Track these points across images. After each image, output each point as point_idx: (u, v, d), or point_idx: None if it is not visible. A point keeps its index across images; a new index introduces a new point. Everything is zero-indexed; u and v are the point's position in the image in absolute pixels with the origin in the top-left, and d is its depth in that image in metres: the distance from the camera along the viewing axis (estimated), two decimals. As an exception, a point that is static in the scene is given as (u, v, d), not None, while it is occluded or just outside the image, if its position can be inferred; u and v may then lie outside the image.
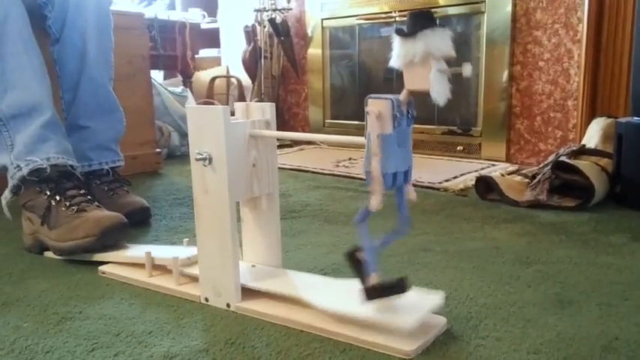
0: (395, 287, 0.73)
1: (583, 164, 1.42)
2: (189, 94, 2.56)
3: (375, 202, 0.68)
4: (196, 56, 3.33)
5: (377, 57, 2.56)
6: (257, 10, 2.75)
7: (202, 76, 3.09)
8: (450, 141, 2.31)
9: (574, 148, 1.53)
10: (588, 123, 1.72)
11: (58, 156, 1.14)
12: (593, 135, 1.60)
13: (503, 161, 2.14)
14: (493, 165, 2.06)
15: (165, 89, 2.42)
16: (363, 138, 0.71)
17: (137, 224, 1.28)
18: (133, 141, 1.89)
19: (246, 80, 2.90)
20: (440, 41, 0.63)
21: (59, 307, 0.86)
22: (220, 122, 0.77)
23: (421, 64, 0.64)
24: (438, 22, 0.65)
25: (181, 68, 3.16)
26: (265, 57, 2.76)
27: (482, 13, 2.14)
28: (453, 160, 2.20)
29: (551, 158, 1.51)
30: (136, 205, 1.31)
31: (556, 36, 1.99)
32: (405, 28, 0.65)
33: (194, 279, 0.89)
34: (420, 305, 0.74)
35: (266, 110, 0.86)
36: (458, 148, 2.29)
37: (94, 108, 1.36)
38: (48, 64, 1.24)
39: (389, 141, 0.68)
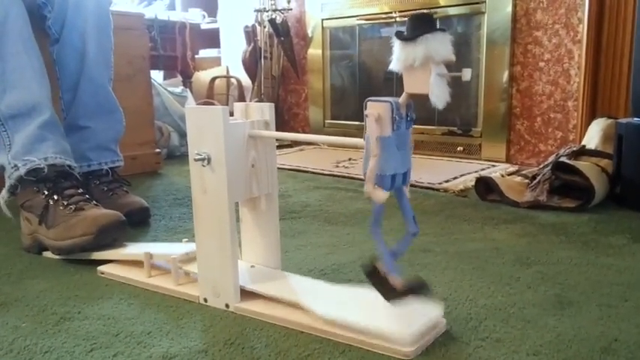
0: (418, 288, 0.71)
1: (583, 165, 1.42)
2: (189, 94, 2.56)
3: (380, 195, 0.68)
4: (196, 56, 3.33)
5: (377, 57, 2.56)
6: (257, 11, 2.75)
7: (202, 77, 3.09)
8: (450, 142, 2.31)
9: (574, 149, 1.53)
10: (588, 124, 1.72)
11: (56, 156, 1.14)
12: (594, 136, 1.59)
13: (503, 162, 2.13)
14: (493, 166, 2.05)
15: (165, 89, 2.42)
16: (362, 140, 0.71)
17: (136, 224, 1.27)
18: (132, 141, 1.89)
19: (246, 80, 2.90)
20: (440, 45, 0.63)
21: (58, 307, 0.85)
22: (219, 123, 0.77)
23: (421, 68, 0.64)
24: (438, 24, 0.64)
25: (181, 68, 3.16)
26: (265, 57, 2.76)
27: (483, 13, 2.14)
28: (453, 160, 2.20)
29: (551, 159, 1.51)
30: (135, 205, 1.31)
31: (556, 36, 1.99)
32: (405, 31, 0.65)
33: (193, 279, 0.89)
34: (420, 316, 0.73)
35: (265, 111, 0.86)
36: (458, 148, 2.28)
37: (93, 108, 1.36)
38: (47, 64, 1.23)
39: (388, 143, 0.68)
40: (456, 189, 1.64)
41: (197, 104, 2.61)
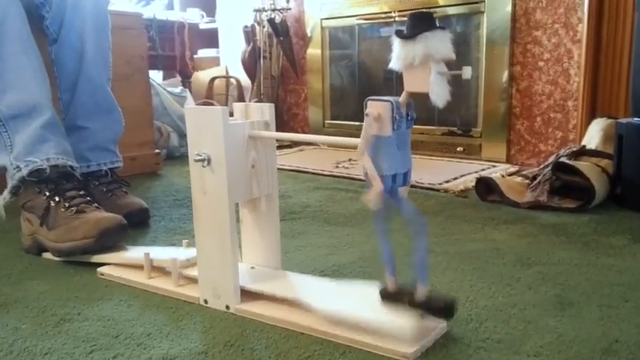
0: (439, 308, 0.70)
1: (583, 165, 1.42)
2: (188, 94, 2.55)
3: (370, 196, 0.68)
4: (195, 56, 3.32)
5: (377, 57, 2.55)
6: (256, 10, 2.75)
7: (201, 77, 3.08)
8: (450, 142, 2.31)
9: (574, 149, 1.52)
10: (588, 124, 1.72)
11: (58, 156, 1.13)
12: (594, 136, 1.59)
13: (503, 162, 2.13)
14: (493, 166, 2.05)
15: (164, 89, 2.41)
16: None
17: (136, 225, 1.27)
18: (131, 142, 1.89)
19: (245, 80, 2.89)
20: (440, 44, 0.63)
21: (58, 308, 0.85)
22: (219, 123, 0.77)
23: (421, 66, 0.64)
24: (437, 23, 0.64)
25: (180, 68, 3.16)
26: (264, 57, 2.75)
27: (482, 13, 2.14)
28: (453, 161, 2.20)
29: (551, 159, 1.51)
30: (134, 206, 1.31)
31: (556, 36, 1.99)
32: (404, 30, 0.65)
33: (193, 280, 0.89)
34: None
35: (265, 111, 0.86)
36: (458, 149, 2.28)
37: (92, 108, 1.36)
38: (46, 64, 1.23)
39: (388, 143, 0.68)
40: (456, 189, 1.63)
41: (196, 104, 2.61)
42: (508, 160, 2.15)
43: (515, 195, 1.46)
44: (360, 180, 1.77)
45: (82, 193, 1.13)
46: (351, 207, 1.47)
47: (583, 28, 1.89)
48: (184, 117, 0.82)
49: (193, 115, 0.80)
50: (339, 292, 0.82)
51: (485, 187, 1.52)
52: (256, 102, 2.48)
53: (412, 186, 1.69)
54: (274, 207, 0.89)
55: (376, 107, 0.67)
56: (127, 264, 0.99)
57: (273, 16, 2.67)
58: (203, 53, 3.33)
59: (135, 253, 1.02)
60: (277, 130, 0.88)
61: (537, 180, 1.46)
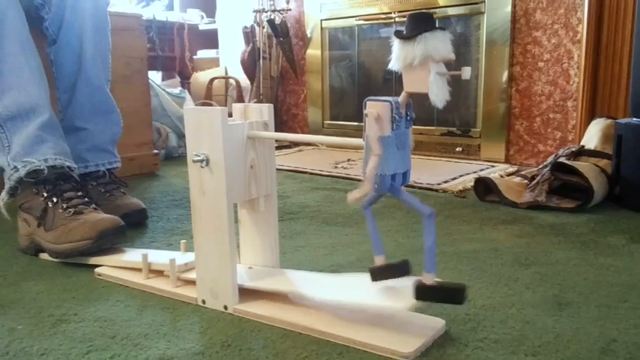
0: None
1: (582, 165, 1.42)
2: (187, 95, 2.55)
3: (356, 194, 0.69)
4: (195, 57, 3.32)
5: (376, 58, 2.55)
6: (256, 11, 2.75)
7: (201, 77, 3.09)
8: (449, 142, 2.31)
9: (573, 149, 1.52)
10: (588, 124, 1.72)
11: (56, 157, 1.13)
12: (593, 136, 1.59)
13: (502, 162, 2.13)
14: (492, 166, 2.05)
15: (163, 90, 2.41)
16: (361, 140, 0.70)
17: (134, 226, 1.27)
18: (130, 142, 1.89)
19: (244, 81, 2.90)
20: (439, 44, 0.63)
21: (54, 309, 0.85)
22: (218, 124, 0.77)
23: (420, 66, 0.64)
24: (437, 23, 0.64)
25: (179, 69, 3.15)
26: (264, 58, 2.76)
27: (482, 13, 2.14)
28: (452, 161, 2.20)
29: (550, 159, 1.51)
30: (132, 206, 1.31)
31: (556, 36, 1.99)
32: (404, 30, 0.65)
33: (191, 281, 0.89)
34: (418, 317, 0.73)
35: (264, 111, 0.85)
36: (457, 149, 2.28)
37: (90, 109, 1.36)
38: (44, 65, 1.23)
39: (388, 143, 0.68)
40: (454, 189, 1.63)
41: (195, 105, 2.61)
42: (507, 161, 2.15)
43: (513, 195, 1.46)
44: (359, 180, 1.77)
45: (80, 194, 1.13)
46: (350, 207, 1.47)
47: (583, 29, 1.89)
48: (183, 118, 0.82)
49: (192, 116, 0.79)
50: (336, 283, 0.82)
51: (484, 187, 1.52)
52: (255, 102, 2.48)
53: (411, 186, 1.69)
54: (273, 207, 0.89)
55: (375, 107, 0.67)
56: (125, 266, 0.99)
57: (272, 16, 2.67)
58: (203, 54, 3.33)
59: (132, 255, 1.02)
60: (277, 130, 0.88)
61: (536, 180, 1.46)
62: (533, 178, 1.49)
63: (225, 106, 2.85)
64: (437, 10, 2.26)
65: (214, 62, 3.22)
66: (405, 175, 0.72)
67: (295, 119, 2.91)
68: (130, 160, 1.89)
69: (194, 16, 3.37)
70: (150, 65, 2.24)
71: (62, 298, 0.89)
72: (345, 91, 2.70)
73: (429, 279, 0.69)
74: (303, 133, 2.83)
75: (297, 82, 2.84)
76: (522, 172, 1.62)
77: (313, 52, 2.74)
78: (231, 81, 2.97)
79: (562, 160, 1.46)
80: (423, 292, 0.70)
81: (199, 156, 0.79)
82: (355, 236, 1.21)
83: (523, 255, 1.06)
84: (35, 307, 0.86)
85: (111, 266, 1.00)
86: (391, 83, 2.50)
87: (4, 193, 1.13)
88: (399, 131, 0.69)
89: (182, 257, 0.94)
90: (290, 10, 2.74)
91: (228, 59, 3.14)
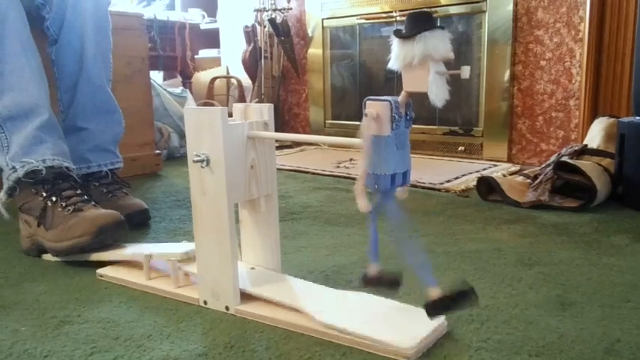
0: (461, 300, 0.69)
1: (585, 164, 1.42)
2: (188, 94, 2.55)
3: (361, 203, 0.68)
4: (196, 57, 3.32)
5: (378, 57, 2.55)
6: (257, 10, 2.74)
7: (202, 77, 3.08)
8: (451, 141, 2.30)
9: (576, 148, 1.52)
10: (590, 123, 1.71)
11: (54, 158, 1.13)
12: (595, 135, 1.59)
13: (504, 162, 2.13)
14: (495, 165, 2.05)
15: (165, 90, 2.41)
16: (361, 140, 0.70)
17: (136, 226, 1.27)
18: (132, 142, 1.89)
19: (246, 81, 2.89)
20: (438, 43, 0.63)
21: (57, 310, 0.85)
22: (218, 124, 0.77)
23: (420, 66, 0.64)
24: (437, 22, 0.64)
25: (181, 69, 3.16)
26: (265, 57, 2.75)
27: (484, 12, 2.13)
28: (454, 160, 2.19)
29: (553, 158, 1.50)
30: (134, 207, 1.31)
31: (558, 35, 1.99)
32: (403, 29, 0.65)
33: (192, 282, 0.89)
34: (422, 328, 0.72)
35: (264, 111, 0.85)
36: (459, 148, 2.28)
37: (92, 109, 1.36)
38: (45, 65, 1.23)
39: (387, 143, 0.68)
40: (457, 189, 1.63)
41: (197, 105, 2.61)
42: (509, 160, 2.14)
43: (516, 194, 1.45)
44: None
45: (78, 192, 1.13)
46: (352, 207, 1.47)
47: (585, 27, 1.88)
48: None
49: (192, 116, 0.79)
50: (339, 302, 0.81)
51: (487, 186, 1.52)
52: (257, 102, 2.48)
53: (413, 185, 1.68)
54: (273, 207, 0.88)
55: (375, 107, 0.67)
56: (126, 261, 0.99)
57: (274, 16, 2.67)
58: (204, 53, 3.33)
59: (133, 249, 1.02)
60: (278, 130, 0.88)
61: (539, 179, 1.45)
62: (535, 177, 1.49)
63: (227, 105, 2.85)
64: (438, 9, 2.25)
65: (216, 62, 3.22)
66: (405, 175, 0.72)
67: (297, 119, 2.91)
68: (132, 160, 1.89)
69: (195, 16, 3.37)
70: (151, 65, 2.24)
71: (65, 299, 0.89)
72: (346, 91, 2.70)
73: (435, 292, 0.69)
74: (304, 132, 2.83)
75: (298, 81, 2.84)
76: (525, 172, 1.61)
77: (314, 51, 2.74)
78: (233, 80, 2.97)
79: (565, 159, 1.46)
80: (434, 308, 0.69)
81: (200, 156, 0.79)
82: (357, 236, 1.20)
83: (526, 255, 1.06)
84: (38, 309, 0.86)
85: (113, 265, 1.00)
86: (393, 82, 2.49)
87: (2, 193, 1.13)
88: (399, 131, 0.69)
89: (182, 247, 0.94)
90: (291, 9, 2.74)
91: (229, 59, 3.14)
